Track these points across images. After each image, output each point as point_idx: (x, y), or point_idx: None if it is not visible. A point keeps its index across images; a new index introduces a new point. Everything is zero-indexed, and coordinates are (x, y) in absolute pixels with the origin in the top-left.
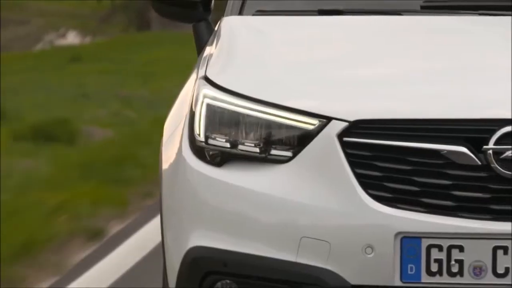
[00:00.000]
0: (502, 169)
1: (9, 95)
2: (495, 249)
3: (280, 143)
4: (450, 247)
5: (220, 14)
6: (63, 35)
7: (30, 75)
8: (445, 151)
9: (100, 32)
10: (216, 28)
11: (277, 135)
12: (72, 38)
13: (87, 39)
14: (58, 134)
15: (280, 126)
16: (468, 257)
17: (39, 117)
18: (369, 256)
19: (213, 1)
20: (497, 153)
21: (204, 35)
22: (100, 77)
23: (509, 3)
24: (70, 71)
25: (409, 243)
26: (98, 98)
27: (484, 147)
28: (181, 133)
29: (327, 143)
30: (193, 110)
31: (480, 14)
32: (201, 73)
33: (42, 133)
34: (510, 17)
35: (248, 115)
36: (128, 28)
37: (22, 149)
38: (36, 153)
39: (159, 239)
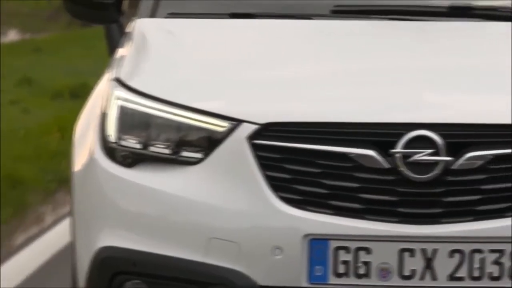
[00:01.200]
0: (409, 172)
1: None
2: (401, 251)
3: (190, 145)
4: (357, 249)
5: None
6: (4, 33)
7: None
8: (354, 154)
9: (44, 30)
10: (128, 30)
11: (188, 137)
12: (13, 35)
13: (27, 36)
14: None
15: (191, 128)
16: (375, 259)
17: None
18: (277, 257)
19: (124, 3)
20: (404, 156)
21: (116, 37)
22: None
23: (418, 9)
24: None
25: (317, 245)
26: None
27: (392, 150)
28: (92, 133)
29: (238, 145)
30: (105, 111)
31: (389, 19)
32: (113, 74)
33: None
34: (419, 22)
35: (159, 117)
36: (70, 26)
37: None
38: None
39: None
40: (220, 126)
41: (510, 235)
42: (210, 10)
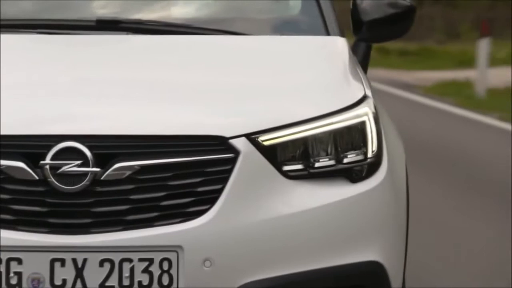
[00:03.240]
0: (58, 183)
1: None
2: (52, 261)
3: None
4: (9, 260)
5: None
6: None
7: None
8: (3, 166)
9: None
10: None
11: None
12: None
13: None
14: None
15: None
16: (26, 269)
17: None
18: None
19: None
20: (54, 168)
21: None
22: None
23: (67, 23)
24: None
25: None
26: None
27: (41, 162)
28: None
29: None
30: None
31: (39, 33)
32: None
33: None
34: (67, 36)
35: None
36: None
37: None
38: None
39: None
40: None
41: (158, 244)
42: None
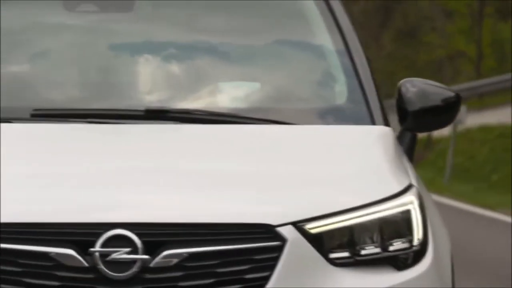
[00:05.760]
0: (108, 270)
1: None
2: None
3: None
4: None
5: None
6: None
7: None
8: (54, 254)
9: None
10: None
11: None
12: None
13: None
14: None
15: None
16: None
17: None
18: None
19: None
20: (103, 255)
21: None
22: None
23: (115, 112)
24: None
25: None
26: None
27: (91, 249)
28: None
29: None
30: None
31: (88, 122)
32: None
33: None
34: (116, 125)
35: None
36: None
37: None
38: None
39: None
40: None
41: None
42: None
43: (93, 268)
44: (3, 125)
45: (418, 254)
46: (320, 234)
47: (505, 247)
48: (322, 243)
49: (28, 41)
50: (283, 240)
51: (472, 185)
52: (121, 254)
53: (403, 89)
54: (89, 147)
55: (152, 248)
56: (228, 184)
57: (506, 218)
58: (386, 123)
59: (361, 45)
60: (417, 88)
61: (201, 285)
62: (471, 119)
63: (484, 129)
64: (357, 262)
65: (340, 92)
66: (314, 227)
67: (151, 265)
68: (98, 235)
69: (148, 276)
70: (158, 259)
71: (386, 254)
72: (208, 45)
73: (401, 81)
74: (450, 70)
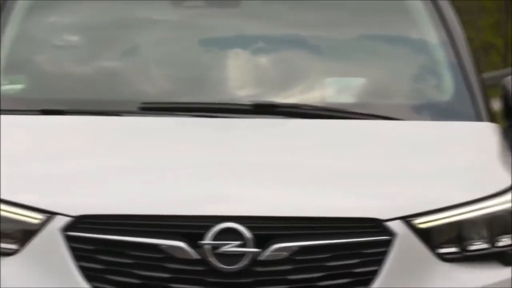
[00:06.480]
0: (218, 263)
1: None
2: None
3: (6, 236)
4: None
5: None
6: None
7: None
8: (164, 246)
9: None
10: None
11: (4, 228)
12: None
13: None
14: None
15: (6, 220)
16: None
17: None
18: None
19: None
20: (213, 247)
21: None
22: None
23: (223, 106)
24: None
25: None
26: None
27: (201, 242)
28: None
29: (52, 237)
30: None
31: (196, 116)
32: None
33: None
34: (223, 119)
35: None
36: None
37: None
38: None
39: None
40: (35, 218)
41: None
42: (22, 107)
43: (203, 261)
44: (112, 118)
45: None
46: (429, 229)
47: None
48: (431, 238)
49: (135, 35)
50: (392, 234)
51: None
52: (232, 247)
53: (509, 86)
54: (197, 140)
55: (261, 241)
56: (337, 179)
57: None
58: (492, 119)
59: (466, 42)
60: None
61: (311, 278)
62: None
63: None
64: (465, 258)
65: (446, 88)
66: (423, 222)
67: (261, 258)
68: (208, 228)
69: (258, 269)
70: (268, 252)
71: (494, 249)
72: (314, 40)
73: (506, 78)
74: (484, 61)
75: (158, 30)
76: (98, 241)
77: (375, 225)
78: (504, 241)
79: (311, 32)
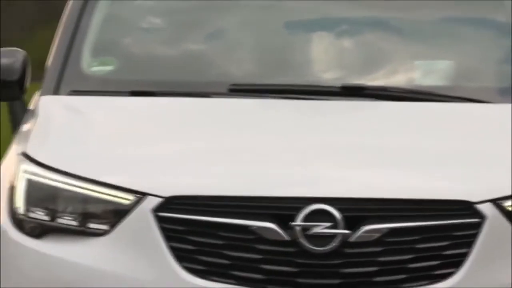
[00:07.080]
0: (309, 244)
1: None
2: None
3: (97, 217)
4: None
5: None
6: None
7: None
8: (255, 227)
9: None
10: (32, 107)
11: (95, 209)
12: None
13: None
14: None
15: (98, 200)
16: None
17: None
18: None
19: (27, 81)
20: (304, 229)
21: (19, 113)
22: None
23: (312, 88)
24: None
25: None
26: None
27: (292, 223)
28: (1, 206)
29: (143, 217)
30: (13, 184)
31: (284, 98)
32: (20, 149)
33: None
34: (313, 101)
35: (66, 190)
36: None
37: None
38: None
39: None
40: (126, 199)
41: None
42: (111, 88)
43: (293, 242)
44: (202, 100)
45: None
46: None
47: None
48: None
49: (221, 18)
50: (482, 217)
51: None
52: (322, 228)
53: None
54: (286, 122)
55: (352, 223)
56: (427, 161)
57: None
58: None
59: None
60: None
61: (401, 260)
62: None
63: None
64: None
65: None
66: None
67: (352, 239)
68: (299, 209)
69: (348, 250)
70: (359, 233)
71: None
72: (399, 22)
73: None
74: None
75: (244, 12)
76: (189, 222)
77: (465, 208)
78: None
79: (396, 14)
